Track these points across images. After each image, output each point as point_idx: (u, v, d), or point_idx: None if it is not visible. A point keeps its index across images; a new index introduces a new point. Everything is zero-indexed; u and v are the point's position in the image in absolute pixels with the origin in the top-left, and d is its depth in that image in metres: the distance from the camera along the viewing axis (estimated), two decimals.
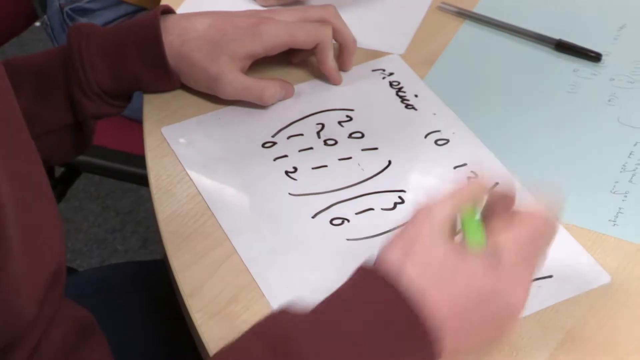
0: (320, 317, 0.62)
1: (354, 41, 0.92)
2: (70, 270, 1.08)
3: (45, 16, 1.39)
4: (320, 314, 0.62)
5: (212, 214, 0.80)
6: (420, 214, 0.64)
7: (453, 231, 0.65)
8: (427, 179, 0.83)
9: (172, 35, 0.86)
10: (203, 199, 0.81)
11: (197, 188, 0.82)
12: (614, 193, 0.80)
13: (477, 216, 0.65)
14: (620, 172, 0.82)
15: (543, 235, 0.65)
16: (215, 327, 0.71)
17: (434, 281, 0.62)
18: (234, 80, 0.87)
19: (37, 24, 1.46)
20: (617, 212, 0.78)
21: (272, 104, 0.90)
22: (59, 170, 1.36)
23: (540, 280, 0.73)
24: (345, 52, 0.92)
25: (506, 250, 0.63)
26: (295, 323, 0.61)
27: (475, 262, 0.63)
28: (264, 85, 0.88)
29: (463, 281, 0.62)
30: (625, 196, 0.80)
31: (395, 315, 0.61)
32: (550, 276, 0.74)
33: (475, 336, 0.64)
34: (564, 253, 0.75)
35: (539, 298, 0.72)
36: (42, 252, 0.65)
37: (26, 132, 0.68)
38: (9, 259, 0.59)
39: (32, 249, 0.63)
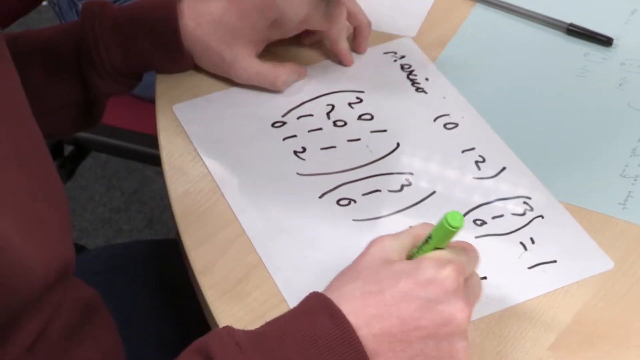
0: (256, 333, 0.62)
1: (369, 24, 0.92)
2: (81, 248, 1.09)
3: None
4: (258, 332, 0.62)
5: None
6: (372, 243, 0.66)
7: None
8: (435, 162, 0.83)
9: (187, 18, 0.86)
10: (213, 178, 0.82)
11: (206, 166, 0.83)
12: (623, 177, 0.81)
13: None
14: (630, 156, 0.82)
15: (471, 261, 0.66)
16: (227, 305, 0.71)
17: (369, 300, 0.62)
18: (248, 66, 0.87)
19: (45, 2, 1.46)
20: (627, 196, 0.79)
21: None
22: (67, 149, 1.36)
23: (544, 265, 0.74)
24: (360, 35, 0.92)
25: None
26: (223, 335, 0.61)
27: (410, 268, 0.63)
28: (277, 72, 0.88)
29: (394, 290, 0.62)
30: (635, 180, 0.80)
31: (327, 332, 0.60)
32: (555, 261, 0.74)
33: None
34: (569, 239, 0.76)
35: (542, 282, 0.73)
36: (47, 248, 0.65)
37: (34, 124, 0.68)
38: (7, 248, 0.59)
39: (36, 244, 0.63)
